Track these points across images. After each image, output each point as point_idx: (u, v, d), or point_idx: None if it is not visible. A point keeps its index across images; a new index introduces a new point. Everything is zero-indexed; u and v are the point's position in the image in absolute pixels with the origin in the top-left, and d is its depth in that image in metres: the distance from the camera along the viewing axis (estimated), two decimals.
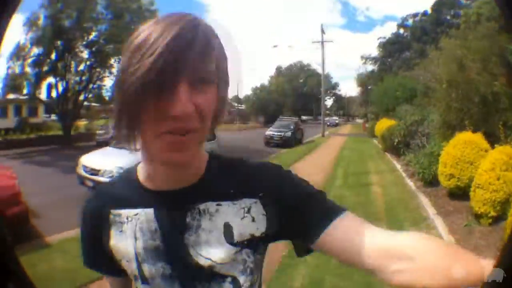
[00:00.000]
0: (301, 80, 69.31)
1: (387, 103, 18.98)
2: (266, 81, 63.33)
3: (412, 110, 12.85)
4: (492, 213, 5.34)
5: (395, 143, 11.77)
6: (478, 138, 6.61)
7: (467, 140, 6.60)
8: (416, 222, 6.31)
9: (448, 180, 6.72)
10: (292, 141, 18.53)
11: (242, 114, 46.43)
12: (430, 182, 7.92)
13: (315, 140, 23.63)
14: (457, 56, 8.15)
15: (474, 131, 6.93)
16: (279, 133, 18.65)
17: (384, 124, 15.68)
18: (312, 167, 11.26)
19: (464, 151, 6.45)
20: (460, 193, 6.53)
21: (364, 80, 41.72)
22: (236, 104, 46.34)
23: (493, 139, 6.57)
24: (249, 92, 56.49)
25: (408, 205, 7.34)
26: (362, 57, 43.66)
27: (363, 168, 11.43)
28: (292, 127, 19.73)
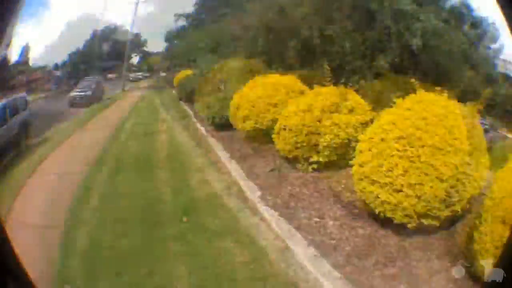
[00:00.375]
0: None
1: (189, 54, 18.65)
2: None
3: (213, 59, 12.93)
4: (315, 158, 5.53)
5: (189, 91, 11.74)
6: (287, 80, 6.82)
7: (268, 82, 6.78)
8: (203, 167, 6.24)
9: (243, 122, 6.70)
10: (93, 99, 18.14)
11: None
12: (223, 126, 7.84)
13: (116, 96, 22.46)
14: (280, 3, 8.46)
15: (284, 74, 7.16)
16: (80, 93, 18.15)
17: (183, 74, 15.72)
18: (102, 123, 11.02)
19: (264, 93, 6.57)
20: (261, 136, 6.54)
21: (172, 35, 40.44)
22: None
23: (311, 81, 6.73)
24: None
25: (196, 151, 7.23)
26: (175, 15, 41.91)
27: (153, 118, 11.39)
28: (93, 86, 19.32)
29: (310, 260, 3.67)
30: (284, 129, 5.72)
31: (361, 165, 4.43)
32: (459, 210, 3.98)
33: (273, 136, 5.99)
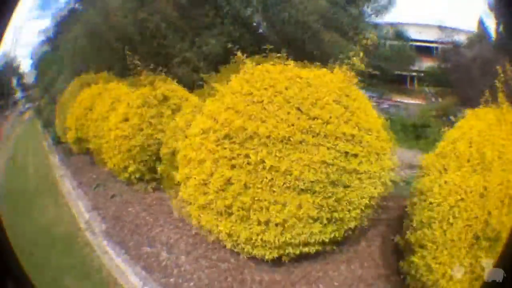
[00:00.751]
0: None
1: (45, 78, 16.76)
2: None
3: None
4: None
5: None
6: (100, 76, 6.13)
7: (90, 92, 5.94)
8: (45, 189, 5.78)
9: (76, 144, 6.20)
10: None
11: None
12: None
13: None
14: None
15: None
16: None
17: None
18: None
19: (80, 97, 5.92)
20: None
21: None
22: None
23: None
24: None
25: (42, 170, 6.91)
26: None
27: (25, 150, 10.20)
28: None
29: None
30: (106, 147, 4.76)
31: (185, 183, 2.75)
32: (351, 225, 2.54)
33: (103, 157, 5.01)
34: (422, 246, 2.05)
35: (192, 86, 4.98)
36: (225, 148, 2.32)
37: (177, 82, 5.05)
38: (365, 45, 2.79)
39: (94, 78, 6.51)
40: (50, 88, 10.06)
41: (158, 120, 4.34)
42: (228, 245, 2.64)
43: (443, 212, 1.98)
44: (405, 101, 8.42)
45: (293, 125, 2.19)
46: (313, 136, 2.22)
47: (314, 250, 2.56)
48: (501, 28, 6.68)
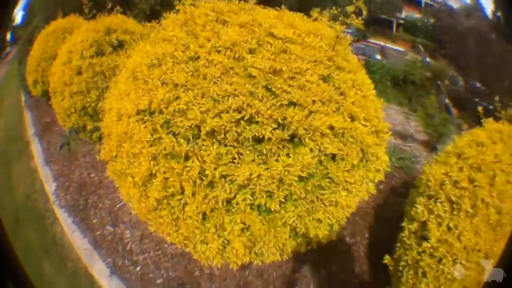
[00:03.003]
0: None
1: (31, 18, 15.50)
2: None
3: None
4: None
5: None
6: (65, 21, 5.21)
7: (49, 31, 5.15)
8: (20, 153, 5.22)
9: (34, 87, 5.42)
10: None
11: None
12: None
13: None
14: None
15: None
16: None
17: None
18: None
19: (46, 46, 4.99)
20: None
21: None
22: None
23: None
24: None
25: (18, 130, 6.07)
26: None
27: (2, 96, 9.39)
28: None
29: None
30: (54, 92, 3.99)
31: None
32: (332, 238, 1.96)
33: (51, 102, 4.37)
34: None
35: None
36: (163, 141, 1.60)
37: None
38: None
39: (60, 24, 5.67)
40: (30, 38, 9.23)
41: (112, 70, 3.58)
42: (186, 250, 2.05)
43: None
44: (388, 45, 7.83)
45: (258, 114, 1.45)
46: (289, 135, 1.45)
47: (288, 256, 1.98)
48: (499, 13, 6.08)
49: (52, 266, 3.20)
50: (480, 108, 2.15)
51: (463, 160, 1.68)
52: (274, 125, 1.40)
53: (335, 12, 2.00)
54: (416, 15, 8.04)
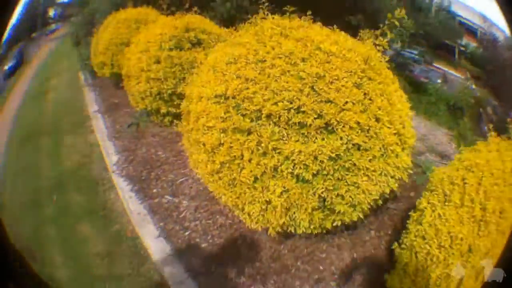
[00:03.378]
0: None
1: None
2: None
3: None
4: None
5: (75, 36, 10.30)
6: (138, 11, 5.53)
7: (120, 18, 5.49)
8: (77, 126, 5.53)
9: (101, 68, 5.73)
10: (18, 67, 14.29)
11: None
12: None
13: (33, 56, 20.19)
14: None
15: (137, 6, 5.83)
16: (9, 65, 13.89)
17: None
18: (19, 90, 9.60)
19: (116, 31, 5.37)
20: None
21: None
22: None
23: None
24: None
25: (74, 106, 6.46)
26: None
27: (51, 72, 10.39)
28: (16, 53, 15.52)
29: (162, 262, 2.86)
30: (128, 76, 4.47)
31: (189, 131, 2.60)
32: (354, 218, 2.34)
33: (124, 84, 4.83)
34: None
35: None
36: (232, 119, 2.16)
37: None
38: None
39: (133, 13, 5.98)
40: (90, 19, 9.72)
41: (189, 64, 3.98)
42: (235, 212, 2.55)
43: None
44: (450, 71, 7.87)
45: (304, 106, 2.00)
46: (325, 123, 1.98)
47: (318, 232, 2.43)
48: None
49: (92, 227, 3.45)
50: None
51: (461, 163, 2.03)
52: (315, 115, 1.94)
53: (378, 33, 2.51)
54: (473, 44, 8.06)
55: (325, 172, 2.02)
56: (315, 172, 2.00)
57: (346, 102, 2.00)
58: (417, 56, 7.00)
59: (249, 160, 2.09)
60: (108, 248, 3.18)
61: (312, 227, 2.26)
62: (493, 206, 1.73)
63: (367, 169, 2.06)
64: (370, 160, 2.05)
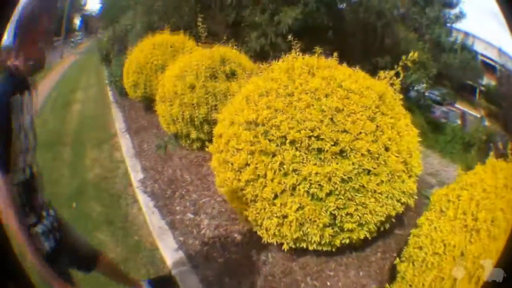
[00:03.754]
0: None
1: (114, 13, 16.74)
2: None
3: (125, 19, 11.29)
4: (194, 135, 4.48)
5: (105, 53, 10.89)
6: (176, 38, 5.73)
7: (157, 42, 5.74)
8: (102, 141, 5.72)
9: (134, 91, 5.98)
10: (36, 71, 15.44)
11: None
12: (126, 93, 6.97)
13: (54, 64, 20.46)
14: None
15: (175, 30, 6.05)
16: None
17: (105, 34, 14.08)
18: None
19: (152, 54, 5.61)
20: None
21: None
22: None
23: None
24: None
25: (99, 122, 6.71)
26: None
27: (74, 86, 10.61)
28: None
29: (179, 273, 2.97)
30: (162, 99, 4.73)
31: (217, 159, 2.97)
32: (361, 236, 2.63)
33: (156, 107, 5.05)
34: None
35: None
36: (260, 143, 2.48)
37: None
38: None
39: (169, 39, 6.14)
40: (122, 37, 10.07)
41: (223, 94, 4.27)
42: (254, 228, 2.83)
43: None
44: (469, 111, 8.10)
45: (323, 135, 2.34)
46: (340, 150, 2.33)
47: (328, 250, 2.68)
48: None
49: (111, 235, 3.55)
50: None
51: (457, 184, 2.26)
52: (331, 143, 2.30)
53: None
54: (493, 82, 8.29)
55: (337, 192, 2.34)
56: (328, 191, 2.33)
57: (360, 133, 2.34)
58: (439, 97, 7.32)
59: (272, 180, 2.43)
60: (125, 256, 3.29)
61: (322, 242, 2.54)
62: (484, 216, 1.89)
63: (375, 191, 2.37)
64: (378, 184, 2.35)
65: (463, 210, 2.01)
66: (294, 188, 2.39)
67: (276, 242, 2.70)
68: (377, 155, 2.35)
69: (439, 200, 2.26)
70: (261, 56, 5.39)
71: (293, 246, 2.64)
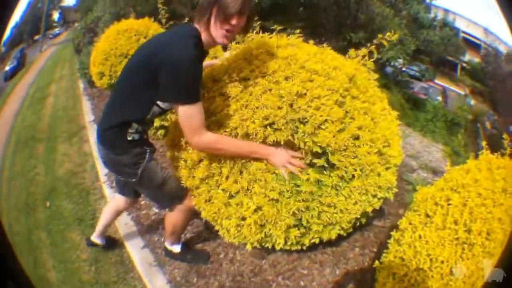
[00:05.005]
0: None
1: (88, 4, 15.48)
2: None
3: (96, 9, 10.82)
4: None
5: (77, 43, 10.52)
6: (140, 23, 5.38)
7: (121, 29, 5.40)
8: (72, 135, 5.70)
9: (100, 79, 5.64)
10: (19, 68, 15.02)
11: None
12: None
13: (35, 59, 19.79)
14: None
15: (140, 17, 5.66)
16: (9, 66, 15.00)
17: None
18: (19, 93, 9.92)
19: (116, 41, 5.27)
20: None
21: None
22: None
23: None
24: None
25: (70, 115, 6.64)
26: None
27: (49, 79, 10.46)
28: (18, 55, 16.10)
29: (146, 272, 2.95)
30: None
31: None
32: (332, 236, 2.35)
33: None
34: None
35: None
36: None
37: None
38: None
39: (134, 25, 5.77)
40: (92, 27, 9.83)
41: None
42: (216, 227, 2.54)
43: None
44: (451, 88, 7.92)
45: (279, 124, 2.01)
46: (298, 144, 1.99)
47: (297, 248, 2.42)
48: None
49: (82, 234, 3.55)
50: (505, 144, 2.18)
51: (446, 183, 1.99)
52: (289, 134, 1.96)
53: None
54: (476, 59, 8.13)
55: (300, 197, 2.03)
56: (280, 191, 2.01)
57: (325, 120, 2.00)
58: (417, 73, 7.09)
59: (226, 177, 2.10)
60: (96, 255, 3.28)
61: (289, 243, 2.26)
62: (479, 227, 1.68)
63: (344, 188, 2.05)
64: (345, 179, 2.04)
65: (454, 218, 1.76)
66: (248, 188, 2.07)
67: (239, 242, 2.42)
68: (344, 147, 2.02)
69: (424, 201, 2.01)
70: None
71: (258, 246, 2.36)
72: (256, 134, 1.98)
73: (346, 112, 2.13)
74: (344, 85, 2.17)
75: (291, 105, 2.02)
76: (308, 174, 2.02)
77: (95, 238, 2.97)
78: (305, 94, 2.07)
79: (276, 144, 2.01)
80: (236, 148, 1.93)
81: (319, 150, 1.98)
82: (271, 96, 2.05)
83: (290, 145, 2.05)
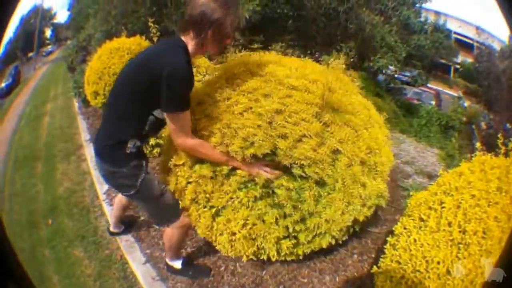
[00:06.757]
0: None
1: (79, 21, 15.92)
2: None
3: (88, 27, 10.70)
4: None
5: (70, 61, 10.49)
6: (132, 41, 5.48)
7: (114, 48, 5.48)
8: (70, 153, 5.74)
9: (94, 98, 5.71)
10: (15, 86, 15.31)
11: None
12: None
13: (29, 76, 19.48)
14: None
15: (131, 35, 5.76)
16: (5, 84, 15.25)
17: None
18: (14, 111, 9.93)
19: (109, 61, 5.36)
20: None
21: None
22: None
23: None
24: None
25: (68, 132, 6.68)
26: None
27: (45, 97, 10.62)
28: (13, 72, 16.13)
29: (149, 286, 2.97)
30: None
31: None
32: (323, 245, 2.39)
33: None
34: None
35: None
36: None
37: None
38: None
39: (126, 43, 5.86)
40: (85, 46, 9.73)
41: None
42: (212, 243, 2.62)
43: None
44: (445, 91, 7.91)
45: (258, 141, 2.03)
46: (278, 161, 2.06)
47: (293, 259, 2.47)
48: None
49: (85, 251, 3.59)
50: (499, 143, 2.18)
51: (439, 187, 2.01)
52: (268, 150, 2.02)
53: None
54: (470, 60, 8.09)
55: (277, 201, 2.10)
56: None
57: (304, 135, 2.06)
58: (410, 79, 7.12)
59: (212, 192, 2.17)
60: (99, 270, 3.32)
61: (283, 254, 2.30)
62: (473, 227, 1.70)
63: (325, 197, 2.10)
64: (328, 193, 2.09)
65: (448, 220, 1.78)
66: (231, 197, 2.15)
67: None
68: (322, 161, 2.07)
69: (418, 206, 2.04)
70: (221, 52, 5.02)
71: (254, 258, 2.41)
72: (235, 153, 2.05)
73: (327, 125, 2.17)
74: (320, 95, 2.23)
75: (270, 123, 2.08)
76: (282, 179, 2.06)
77: (113, 228, 3.29)
78: (284, 110, 2.13)
79: (255, 157, 2.07)
80: (216, 155, 2.07)
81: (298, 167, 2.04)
82: (251, 115, 2.12)
83: (270, 161, 2.11)
